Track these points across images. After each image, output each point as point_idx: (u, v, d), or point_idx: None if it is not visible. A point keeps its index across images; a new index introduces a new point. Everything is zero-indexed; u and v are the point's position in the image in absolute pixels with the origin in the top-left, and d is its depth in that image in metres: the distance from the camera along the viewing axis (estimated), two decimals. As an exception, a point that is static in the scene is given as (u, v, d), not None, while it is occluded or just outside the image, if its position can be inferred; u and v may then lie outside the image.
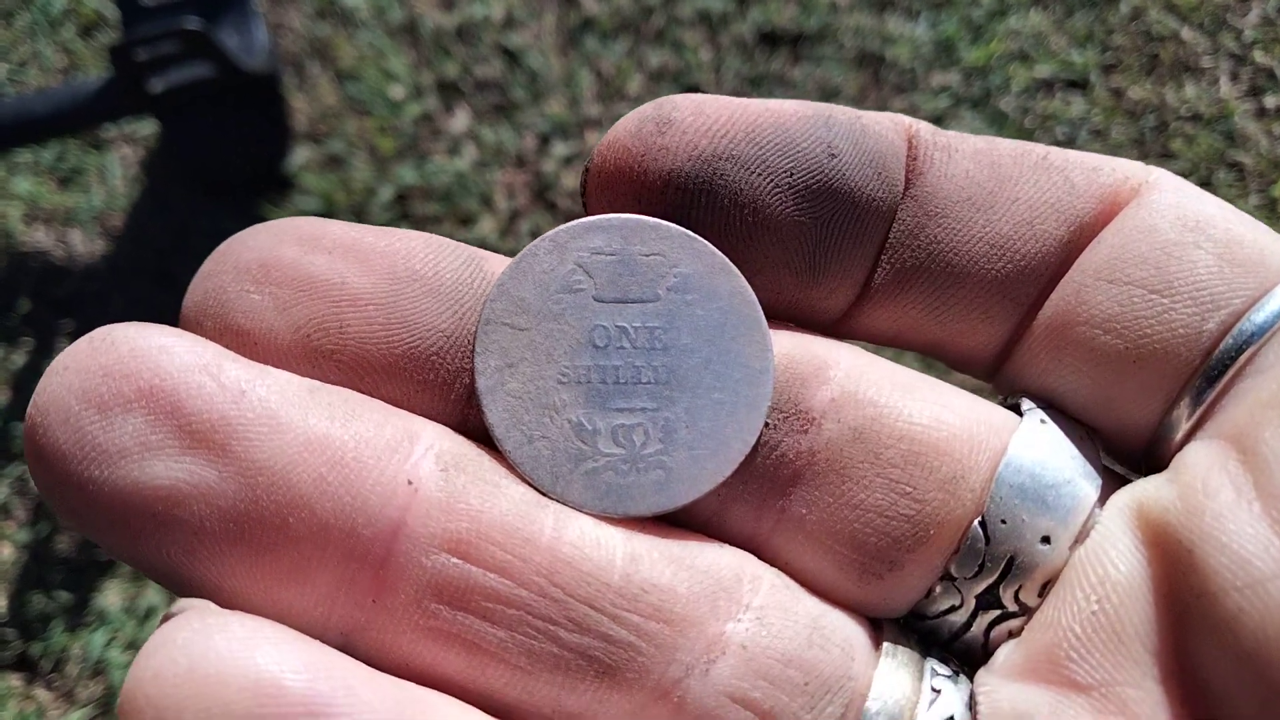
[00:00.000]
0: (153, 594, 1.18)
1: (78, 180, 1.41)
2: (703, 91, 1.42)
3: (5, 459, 1.25)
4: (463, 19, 1.50)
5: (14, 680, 1.15)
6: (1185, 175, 1.39)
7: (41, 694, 1.14)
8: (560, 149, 1.41)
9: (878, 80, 1.49)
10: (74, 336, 1.34)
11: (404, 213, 1.37)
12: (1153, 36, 1.52)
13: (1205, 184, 1.41)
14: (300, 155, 1.41)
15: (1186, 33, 1.52)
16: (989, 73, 1.49)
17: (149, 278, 1.35)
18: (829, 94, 1.46)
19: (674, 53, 1.48)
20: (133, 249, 1.37)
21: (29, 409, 0.22)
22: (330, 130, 1.43)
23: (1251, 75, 1.49)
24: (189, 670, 0.20)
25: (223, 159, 1.38)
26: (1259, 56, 1.49)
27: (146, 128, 1.43)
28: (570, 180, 1.39)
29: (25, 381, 1.29)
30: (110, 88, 1.22)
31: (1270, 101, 1.46)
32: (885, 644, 0.26)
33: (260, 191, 1.38)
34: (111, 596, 1.18)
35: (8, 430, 1.26)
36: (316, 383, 0.24)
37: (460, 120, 1.44)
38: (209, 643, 0.20)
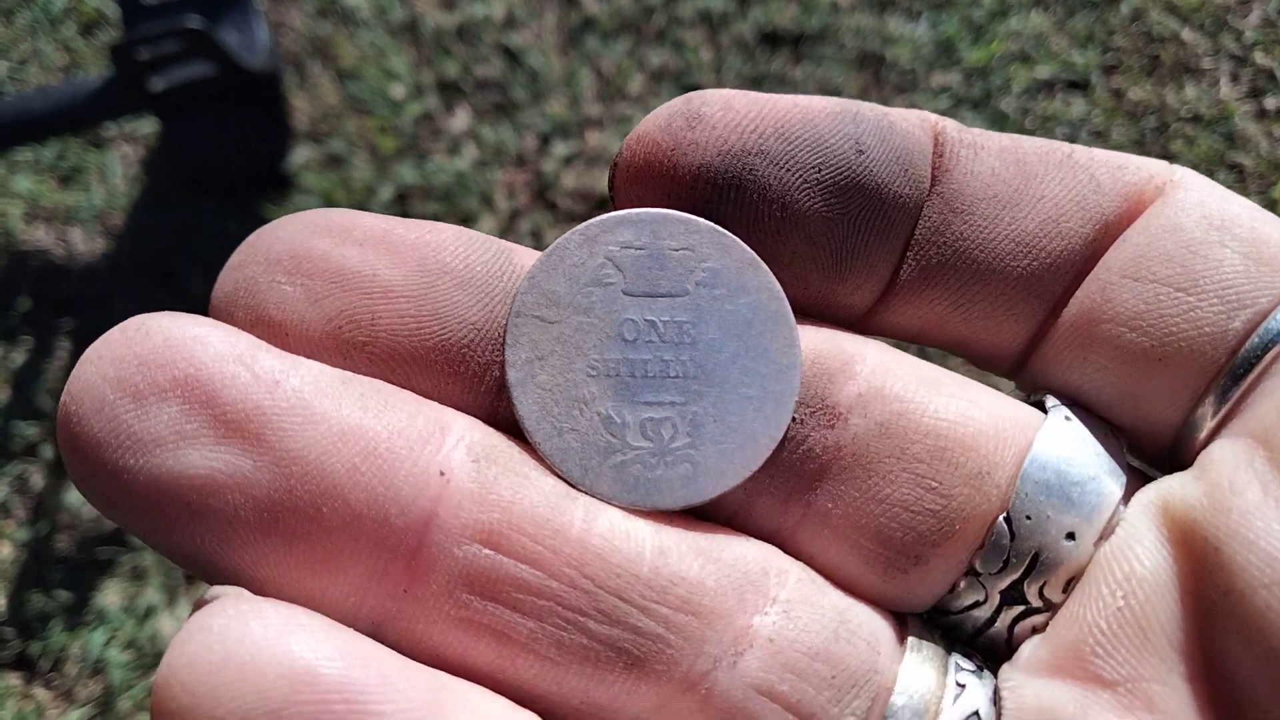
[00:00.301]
0: (152, 593, 1.18)
1: (78, 179, 1.41)
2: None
3: (5, 457, 1.25)
4: (463, 18, 1.51)
5: (13, 679, 1.14)
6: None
7: (40, 693, 1.14)
8: (560, 149, 1.41)
9: (878, 80, 1.49)
10: (74, 335, 1.34)
11: (404, 212, 1.37)
12: (1153, 38, 1.52)
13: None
14: (301, 154, 1.41)
15: (1187, 34, 1.52)
16: (989, 73, 1.49)
17: (149, 277, 1.35)
18: (830, 94, 1.46)
19: (675, 53, 1.48)
20: (133, 248, 1.37)
21: (63, 397, 0.22)
22: (331, 129, 1.43)
23: (1252, 77, 1.49)
24: (225, 658, 0.20)
25: (223, 158, 1.38)
26: (1259, 58, 1.50)
27: (147, 126, 1.43)
28: (570, 180, 1.39)
29: (25, 380, 1.29)
30: (111, 86, 1.22)
31: (1270, 103, 1.46)
32: (910, 639, 0.26)
33: (261, 191, 1.38)
34: (111, 596, 1.18)
35: (7, 429, 1.26)
36: (349, 374, 0.24)
37: (461, 120, 1.44)
38: (244, 629, 0.20)
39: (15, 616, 1.17)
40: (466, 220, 1.36)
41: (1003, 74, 1.49)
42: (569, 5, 1.52)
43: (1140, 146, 1.44)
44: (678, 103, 0.26)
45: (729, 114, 0.25)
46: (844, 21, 1.52)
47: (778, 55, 1.50)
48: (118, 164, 1.42)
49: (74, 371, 0.22)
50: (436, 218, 1.36)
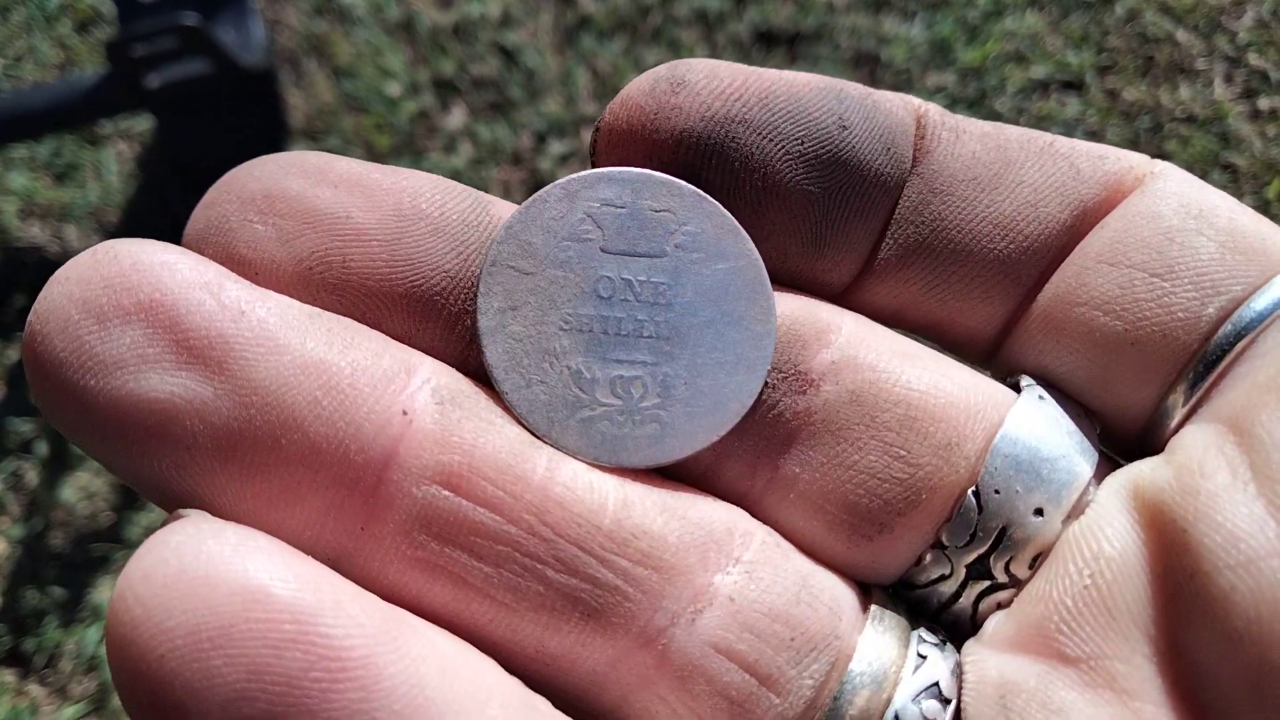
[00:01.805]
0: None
1: (73, 176, 1.41)
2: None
3: (0, 454, 1.25)
4: (460, 17, 1.51)
5: (7, 675, 1.14)
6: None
7: (35, 689, 1.14)
8: (556, 147, 1.42)
9: (873, 80, 1.49)
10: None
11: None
12: (1148, 38, 1.53)
13: (1199, 185, 1.42)
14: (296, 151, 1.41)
15: (1182, 35, 1.52)
16: (984, 73, 1.50)
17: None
18: (825, 94, 1.47)
19: (670, 51, 1.48)
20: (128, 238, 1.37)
21: (29, 316, 0.22)
22: (326, 127, 1.43)
23: (1246, 77, 1.49)
24: (179, 571, 0.20)
25: (219, 155, 1.37)
26: (1253, 59, 1.50)
27: (142, 123, 1.43)
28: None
29: (19, 376, 1.29)
30: (106, 83, 1.22)
31: (1264, 104, 1.47)
32: (873, 608, 0.26)
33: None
34: (106, 592, 1.18)
35: (2, 425, 1.26)
36: (317, 309, 0.24)
37: (456, 118, 1.45)
38: (201, 547, 0.20)
39: (10, 613, 1.17)
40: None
41: (998, 74, 1.50)
42: (565, 4, 1.52)
43: (1135, 146, 1.44)
44: (663, 68, 0.26)
45: (713, 81, 0.25)
46: (839, 21, 1.52)
47: (773, 54, 1.50)
48: (113, 161, 1.42)
49: (42, 292, 0.22)
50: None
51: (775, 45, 1.50)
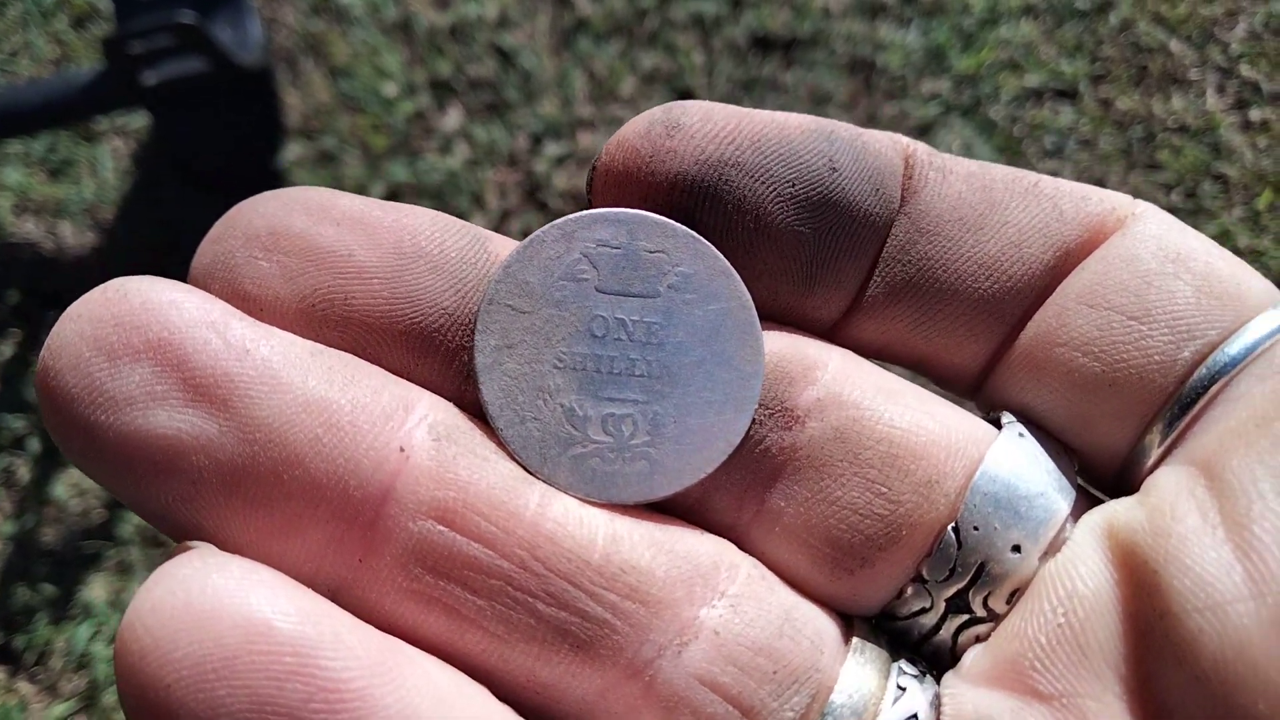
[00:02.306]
0: (138, 587, 1.17)
1: (68, 172, 1.41)
2: (695, 95, 1.43)
3: (-9, 450, 1.25)
4: (457, 18, 1.51)
5: (-3, 672, 1.14)
6: (1171, 187, 1.40)
7: (24, 687, 1.14)
8: (552, 149, 1.42)
9: (869, 86, 1.50)
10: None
11: (395, 210, 1.37)
12: (1141, 48, 1.54)
13: (1190, 195, 1.43)
14: (292, 151, 1.41)
15: (1175, 45, 1.53)
16: (979, 81, 1.50)
17: (139, 271, 1.34)
18: (820, 99, 1.47)
19: (667, 55, 1.49)
20: (123, 242, 1.37)
21: (42, 352, 0.23)
22: (322, 126, 1.43)
23: (1238, 88, 1.50)
24: (186, 604, 0.21)
25: (214, 153, 1.38)
26: (1245, 70, 1.51)
27: (138, 121, 1.43)
28: (561, 181, 1.39)
29: (13, 373, 1.29)
30: (103, 80, 1.22)
31: (1256, 115, 1.48)
32: (855, 640, 0.26)
33: (251, 187, 1.38)
34: (96, 590, 1.18)
35: (-6, 421, 1.26)
36: (319, 346, 0.24)
37: (453, 119, 1.45)
38: (207, 580, 0.21)
39: (0, 609, 1.17)
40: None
41: (992, 82, 1.50)
42: (562, 6, 1.52)
43: (1127, 156, 1.45)
44: (658, 111, 0.26)
45: (707, 124, 0.26)
46: (835, 27, 1.53)
47: (769, 60, 1.50)
48: (108, 158, 1.42)
49: (54, 328, 0.23)
50: (427, 216, 1.36)
51: (771, 50, 1.51)
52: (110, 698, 1.12)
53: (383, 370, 0.25)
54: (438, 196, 1.37)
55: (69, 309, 0.23)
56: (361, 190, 1.38)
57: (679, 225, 0.26)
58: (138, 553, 1.20)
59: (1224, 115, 1.48)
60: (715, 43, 1.51)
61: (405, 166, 1.40)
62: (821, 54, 1.51)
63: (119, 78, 1.21)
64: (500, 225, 1.36)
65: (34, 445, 1.25)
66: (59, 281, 1.34)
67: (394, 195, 1.38)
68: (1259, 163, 1.44)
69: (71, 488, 1.22)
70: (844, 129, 0.27)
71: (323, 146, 1.42)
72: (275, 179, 1.39)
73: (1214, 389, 0.25)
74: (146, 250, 1.36)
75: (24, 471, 1.24)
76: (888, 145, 0.27)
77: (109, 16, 1.47)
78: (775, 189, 0.26)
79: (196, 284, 0.25)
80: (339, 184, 1.39)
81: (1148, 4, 1.56)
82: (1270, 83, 1.50)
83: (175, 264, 1.33)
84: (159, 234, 1.37)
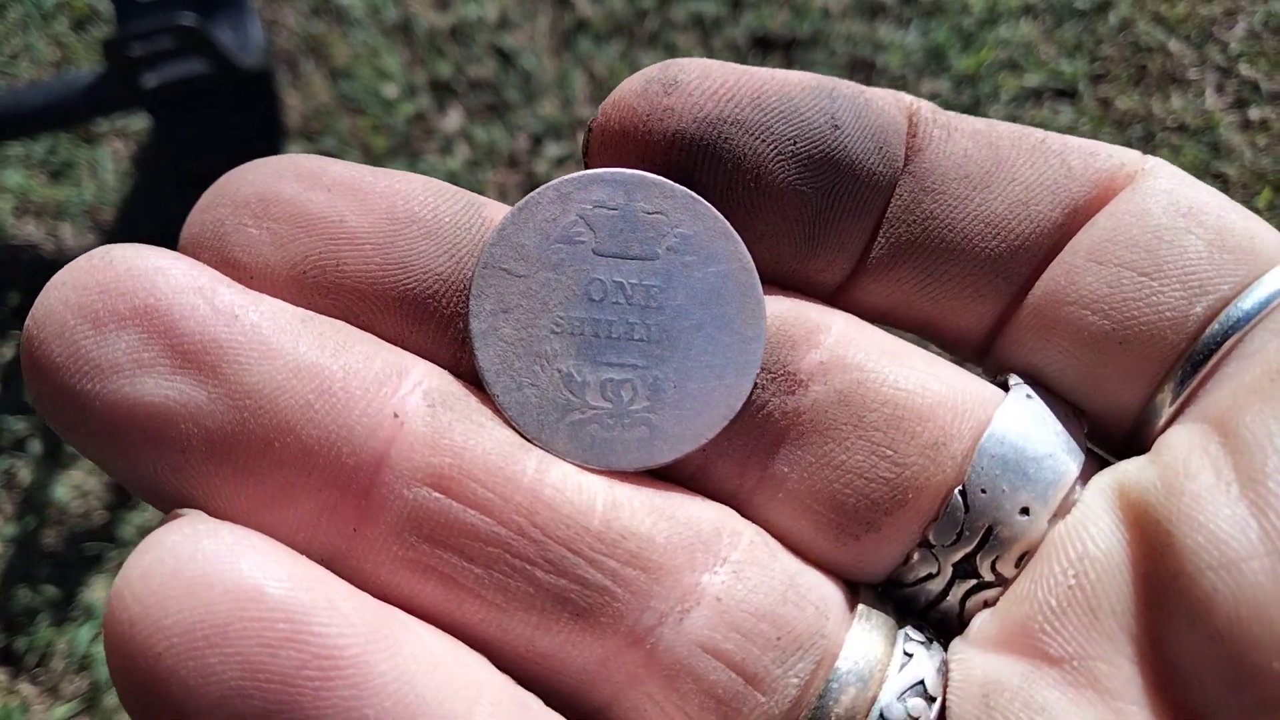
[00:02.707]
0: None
1: (69, 174, 1.41)
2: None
3: (-7, 451, 1.25)
4: (457, 19, 1.51)
5: (-2, 674, 1.14)
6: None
7: (26, 689, 1.14)
8: (553, 150, 1.42)
9: (869, 86, 1.50)
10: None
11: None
12: (1141, 48, 1.54)
13: (1190, 194, 1.43)
14: (293, 152, 1.41)
15: (1174, 45, 1.54)
16: (979, 81, 1.51)
17: (139, 273, 1.35)
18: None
19: (667, 55, 1.49)
20: (123, 243, 1.37)
21: (27, 321, 0.23)
22: (323, 128, 1.43)
23: (1237, 88, 1.50)
24: (175, 571, 0.20)
25: (215, 155, 1.37)
26: (1244, 69, 1.51)
27: (139, 122, 1.43)
28: (562, 181, 1.39)
29: (14, 375, 1.29)
30: (103, 82, 1.22)
31: (1255, 114, 1.48)
32: (860, 607, 0.26)
33: (252, 188, 1.38)
34: (98, 591, 1.18)
35: (-4, 423, 1.26)
36: (310, 313, 0.24)
37: (453, 120, 1.45)
38: (197, 546, 0.21)
39: (2, 611, 1.17)
40: (458, 220, 1.36)
41: (992, 81, 1.50)
42: (562, 7, 1.53)
43: (1127, 155, 1.45)
44: (655, 69, 0.26)
45: (706, 81, 0.25)
46: (835, 27, 1.53)
47: (769, 60, 1.50)
48: (109, 159, 1.42)
49: (39, 297, 0.23)
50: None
51: (771, 50, 1.51)
52: (112, 699, 1.12)
53: (375, 337, 0.25)
54: (438, 197, 1.38)
55: (54, 277, 0.23)
56: (362, 191, 1.38)
57: (678, 185, 0.26)
58: (139, 554, 1.19)
59: (1223, 114, 1.48)
60: (715, 43, 1.51)
61: (406, 167, 1.39)
62: (821, 54, 1.51)
63: (119, 80, 1.21)
64: (501, 226, 1.36)
65: (35, 447, 1.25)
66: (60, 283, 1.34)
67: (394, 196, 1.38)
68: (1258, 161, 1.44)
69: (73, 489, 1.22)
70: (846, 86, 0.26)
71: (323, 148, 1.42)
72: (276, 180, 1.39)
73: (1227, 345, 0.24)
74: (147, 252, 1.36)
75: (25, 474, 1.24)
76: (891, 103, 0.26)
77: (109, 19, 1.47)
78: (776, 147, 0.25)
79: (186, 252, 0.25)
80: (339, 185, 1.39)
81: (1147, 4, 1.56)
82: (1269, 82, 1.50)
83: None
84: (160, 236, 1.37)
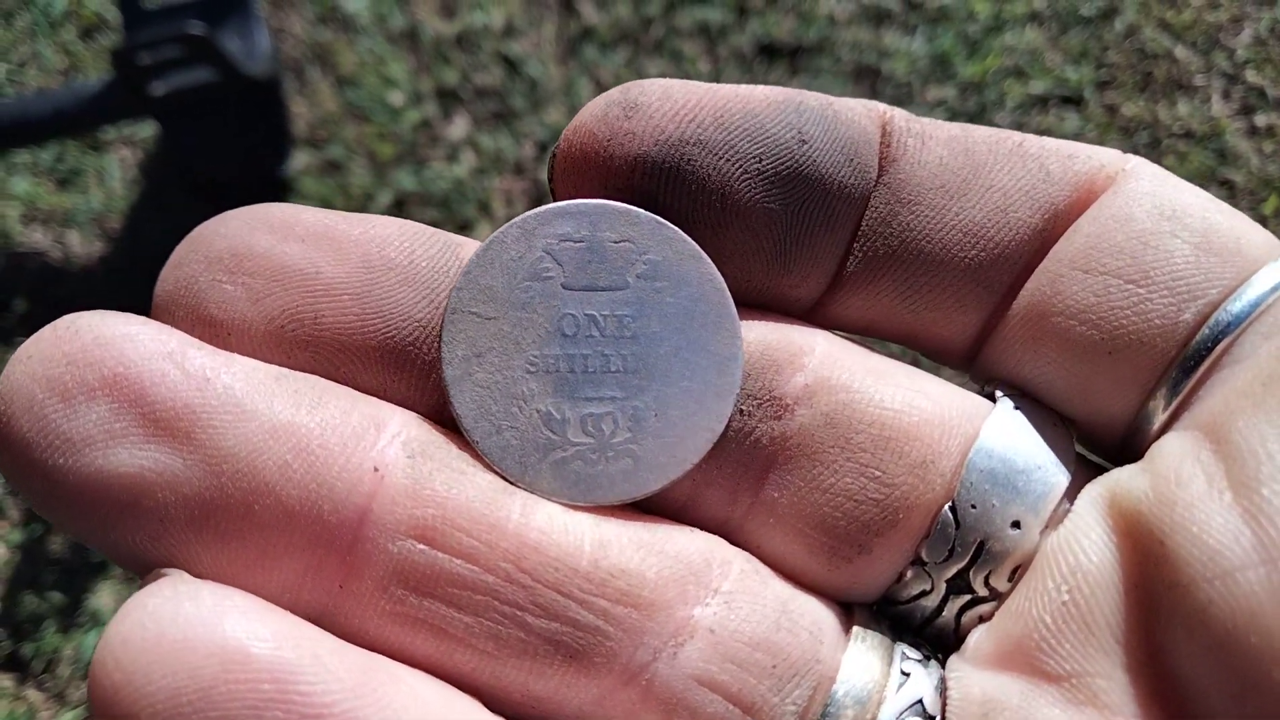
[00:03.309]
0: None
1: (76, 182, 1.41)
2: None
3: None
4: (463, 27, 1.51)
5: (5, 681, 1.14)
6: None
7: (33, 695, 1.14)
8: (558, 157, 1.42)
9: (874, 93, 1.50)
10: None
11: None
12: (1147, 54, 1.53)
13: (1197, 201, 1.42)
14: (299, 160, 1.41)
15: (1180, 51, 1.53)
16: (984, 88, 1.50)
17: (146, 280, 1.34)
18: (826, 106, 1.47)
19: (673, 63, 1.49)
20: (130, 251, 1.38)
21: None
22: (330, 136, 1.44)
23: (1243, 94, 1.50)
24: (157, 636, 0.20)
25: (222, 163, 1.38)
26: (1251, 76, 1.51)
27: (146, 130, 1.44)
28: (568, 188, 1.39)
29: (21, 382, 1.29)
30: (111, 90, 1.22)
31: (1261, 120, 1.47)
32: (855, 628, 0.26)
33: (259, 196, 1.38)
34: (104, 598, 1.18)
35: (3, 430, 1.26)
36: (283, 370, 0.24)
37: (459, 127, 1.45)
38: (178, 609, 0.20)
39: (8, 618, 1.17)
40: (464, 227, 1.36)
41: (997, 88, 1.50)
42: (568, 15, 1.53)
43: (1133, 162, 1.45)
44: (615, 92, 0.25)
45: (666, 103, 0.25)
46: (841, 35, 1.53)
47: (775, 67, 1.50)
48: (116, 167, 1.42)
49: (5, 370, 0.22)
50: (434, 225, 1.36)
51: (777, 58, 1.51)
52: (118, 706, 1.12)
53: (351, 390, 0.24)
54: (444, 205, 1.38)
55: (19, 350, 0.22)
56: (368, 198, 1.38)
57: (642, 212, 0.25)
58: (145, 561, 1.20)
59: (1230, 121, 1.48)
60: (721, 51, 1.51)
61: (412, 175, 1.40)
62: (827, 61, 1.51)
63: (127, 88, 1.21)
64: (506, 233, 1.36)
65: (42, 454, 1.25)
66: (67, 291, 1.34)
67: (401, 203, 1.39)
68: (1265, 168, 1.44)
69: (79, 496, 1.22)
70: (813, 98, 0.26)
71: (329, 155, 1.42)
72: (282, 188, 1.39)
73: (1218, 350, 0.24)
74: (154, 260, 1.36)
75: (32, 480, 1.24)
76: (862, 113, 0.26)
77: (117, 27, 1.48)
78: (741, 165, 0.25)
79: (159, 311, 0.24)
80: (346, 192, 1.39)
81: (1153, 10, 1.56)
82: (1276, 88, 1.49)
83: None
84: (166, 243, 1.37)
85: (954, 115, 1.48)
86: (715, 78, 1.49)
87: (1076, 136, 1.47)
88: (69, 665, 1.14)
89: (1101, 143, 1.43)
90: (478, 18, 1.52)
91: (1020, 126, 1.48)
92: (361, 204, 1.38)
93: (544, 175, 1.40)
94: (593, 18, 1.52)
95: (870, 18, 1.55)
